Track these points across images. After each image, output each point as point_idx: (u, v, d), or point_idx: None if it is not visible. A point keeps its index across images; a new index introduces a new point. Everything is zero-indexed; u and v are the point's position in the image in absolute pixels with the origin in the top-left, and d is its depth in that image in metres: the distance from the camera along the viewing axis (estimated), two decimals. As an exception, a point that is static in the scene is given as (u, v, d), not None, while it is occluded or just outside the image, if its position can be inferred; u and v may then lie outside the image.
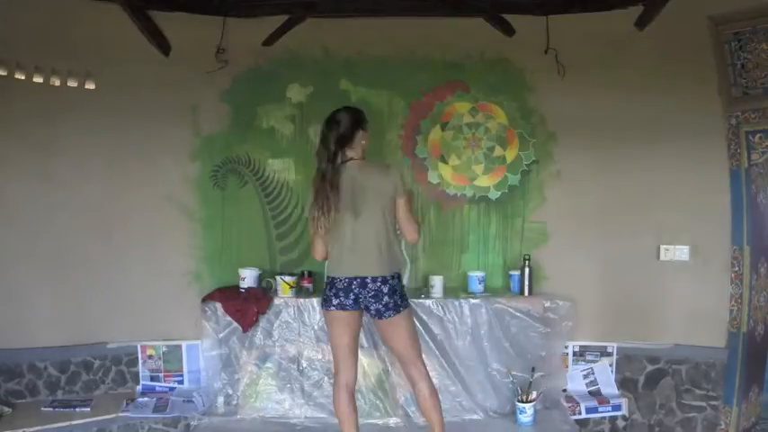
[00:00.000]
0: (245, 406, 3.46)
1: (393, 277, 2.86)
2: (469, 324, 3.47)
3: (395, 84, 3.80)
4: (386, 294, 2.81)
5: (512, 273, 3.70)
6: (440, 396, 3.20)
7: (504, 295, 3.62)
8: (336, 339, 2.92)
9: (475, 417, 3.45)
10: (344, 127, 2.84)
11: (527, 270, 3.63)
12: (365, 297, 2.83)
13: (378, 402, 3.44)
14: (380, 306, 2.82)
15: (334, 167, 2.80)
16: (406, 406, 3.46)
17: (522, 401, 3.35)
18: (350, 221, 2.80)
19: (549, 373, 3.55)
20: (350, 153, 2.86)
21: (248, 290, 3.53)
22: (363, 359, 3.46)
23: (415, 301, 3.47)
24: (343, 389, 2.90)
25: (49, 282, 3.58)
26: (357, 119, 2.89)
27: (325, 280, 2.95)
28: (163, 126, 3.71)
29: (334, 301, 2.85)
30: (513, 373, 3.45)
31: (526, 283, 3.62)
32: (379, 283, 2.80)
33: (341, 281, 2.84)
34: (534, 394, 3.40)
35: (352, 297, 2.84)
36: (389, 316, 2.84)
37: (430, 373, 3.40)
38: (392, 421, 3.42)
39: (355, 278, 2.81)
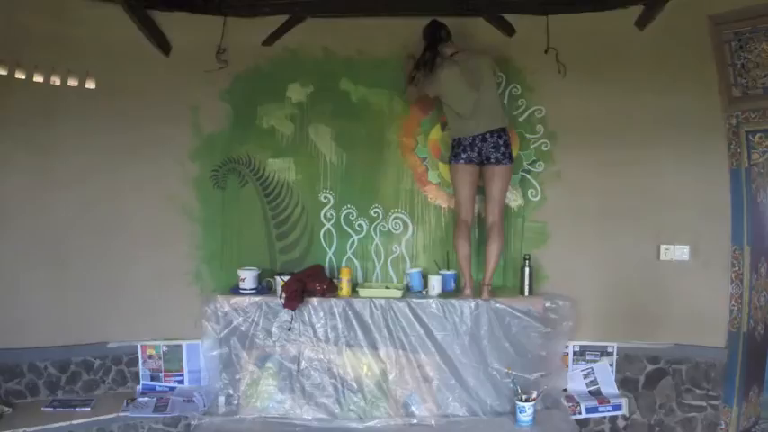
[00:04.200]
0: (246, 406, 3.46)
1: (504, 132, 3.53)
2: (469, 324, 3.48)
3: (395, 83, 3.80)
4: (501, 146, 3.48)
5: (411, 270, 3.74)
6: (440, 394, 3.31)
7: (505, 295, 3.62)
8: (463, 187, 3.55)
9: (475, 416, 3.45)
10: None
11: (527, 270, 3.63)
12: (486, 149, 3.46)
13: (379, 403, 3.43)
14: (499, 155, 3.47)
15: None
16: (408, 405, 3.46)
17: (522, 401, 3.35)
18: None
19: (550, 373, 3.55)
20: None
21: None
22: (363, 359, 3.46)
23: (415, 300, 3.49)
24: (463, 225, 3.55)
25: (49, 282, 3.58)
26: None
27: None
28: (163, 126, 3.72)
29: (463, 155, 3.48)
30: (513, 372, 3.45)
31: (526, 282, 3.62)
32: (495, 137, 3.48)
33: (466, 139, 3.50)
34: (534, 394, 3.40)
35: (477, 150, 3.47)
36: (506, 164, 3.49)
37: (430, 372, 3.42)
38: (393, 421, 3.41)
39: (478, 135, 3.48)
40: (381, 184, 3.86)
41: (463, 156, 3.47)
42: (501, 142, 3.45)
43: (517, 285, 3.69)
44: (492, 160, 3.47)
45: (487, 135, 3.44)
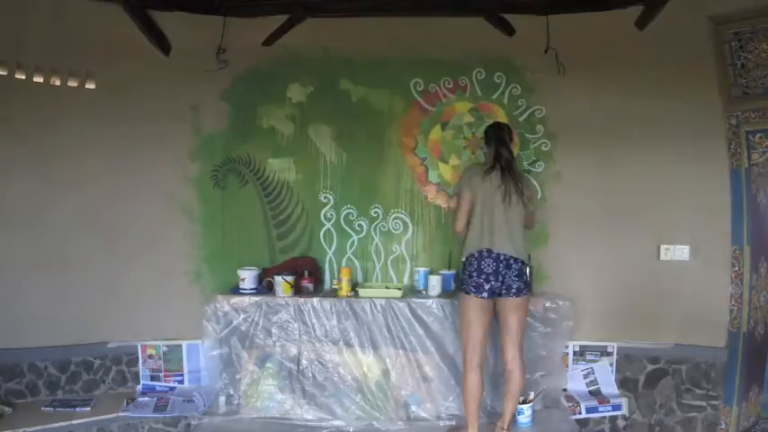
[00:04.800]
0: (246, 406, 3.46)
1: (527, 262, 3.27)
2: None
3: (395, 83, 3.81)
4: (525, 274, 3.20)
5: (419, 269, 3.72)
6: (440, 394, 3.27)
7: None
8: (476, 324, 3.16)
9: (475, 416, 3.45)
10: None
11: (527, 270, 3.62)
12: (510, 276, 3.13)
13: (379, 403, 3.43)
14: (521, 284, 3.16)
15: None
16: (408, 405, 3.45)
17: (520, 403, 3.34)
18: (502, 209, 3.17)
19: (550, 373, 3.55)
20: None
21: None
22: (363, 359, 3.46)
23: (415, 300, 3.49)
24: (476, 369, 3.15)
25: (49, 282, 3.58)
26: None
27: (467, 259, 3.18)
28: (163, 126, 3.72)
29: (486, 286, 3.12)
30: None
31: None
32: (520, 264, 3.17)
33: (489, 260, 3.11)
34: (532, 395, 3.40)
35: (501, 279, 3.13)
36: (525, 294, 3.19)
37: (430, 372, 3.41)
38: (393, 421, 3.41)
39: (504, 255, 3.13)
40: (381, 184, 3.86)
41: (486, 287, 3.12)
42: (526, 270, 3.22)
43: (517, 285, 3.68)
44: (513, 290, 3.15)
45: (511, 260, 3.15)
